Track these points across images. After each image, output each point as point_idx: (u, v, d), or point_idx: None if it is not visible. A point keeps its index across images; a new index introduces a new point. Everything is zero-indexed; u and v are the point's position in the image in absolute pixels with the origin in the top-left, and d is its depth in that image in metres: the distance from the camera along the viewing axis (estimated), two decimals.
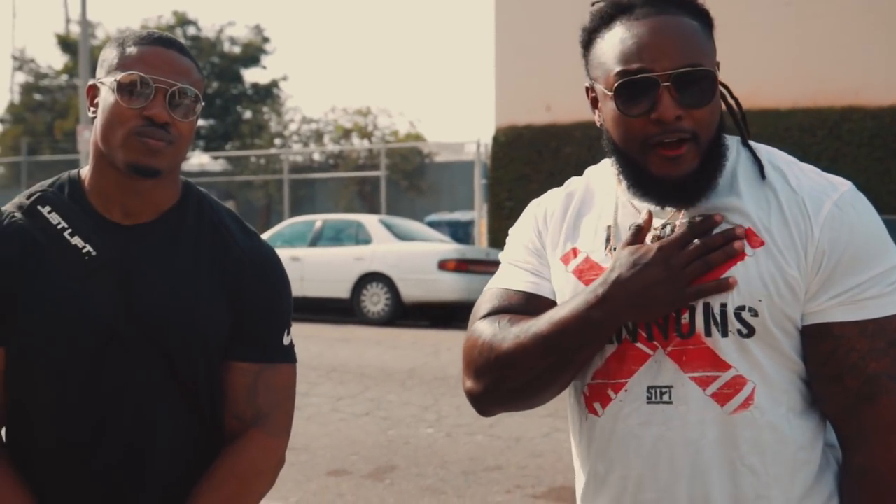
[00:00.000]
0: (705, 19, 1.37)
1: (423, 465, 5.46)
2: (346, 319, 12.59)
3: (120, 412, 1.52)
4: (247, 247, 1.64)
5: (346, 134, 30.02)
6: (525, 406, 1.46)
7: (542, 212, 1.53)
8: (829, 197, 1.32)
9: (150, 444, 1.54)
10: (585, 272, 1.41)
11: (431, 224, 17.36)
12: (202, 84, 1.60)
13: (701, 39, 1.35)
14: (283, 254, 12.54)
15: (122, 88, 1.49)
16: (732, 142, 1.42)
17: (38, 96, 34.04)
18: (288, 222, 14.04)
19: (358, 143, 29.63)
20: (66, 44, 32.34)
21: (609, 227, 1.42)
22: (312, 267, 12.66)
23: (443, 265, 12.02)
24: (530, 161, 14.84)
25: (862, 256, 1.30)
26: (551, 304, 1.42)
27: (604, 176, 1.49)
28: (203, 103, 1.60)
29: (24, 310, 1.50)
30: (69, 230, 1.54)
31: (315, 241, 13.10)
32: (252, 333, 1.61)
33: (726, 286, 1.29)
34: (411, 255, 12.36)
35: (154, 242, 1.58)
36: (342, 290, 12.59)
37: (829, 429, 1.39)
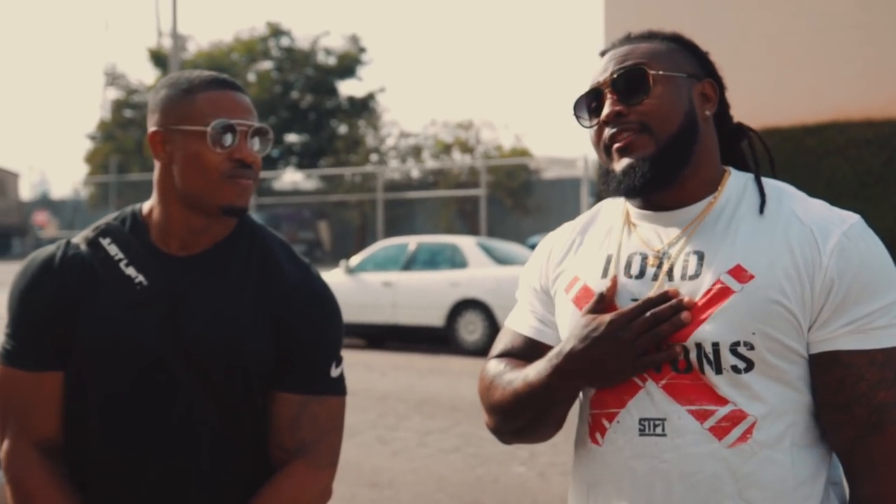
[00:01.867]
0: (675, 42, 1.61)
1: None
2: (440, 349, 12.79)
3: (166, 435, 1.73)
4: (295, 278, 1.83)
5: (447, 149, 30.30)
6: (533, 441, 1.66)
7: (549, 250, 1.71)
8: (839, 228, 1.45)
9: (194, 466, 1.74)
10: (582, 300, 1.57)
11: (534, 246, 17.35)
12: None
13: (653, 53, 1.56)
14: (375, 278, 12.88)
15: (213, 136, 1.71)
16: (742, 177, 1.57)
17: (128, 113, 35.57)
18: (380, 245, 14.30)
19: (459, 158, 29.84)
20: (158, 58, 33.76)
21: (609, 256, 1.57)
22: (405, 292, 12.90)
23: None
24: None
25: (871, 287, 1.41)
26: (550, 349, 1.57)
27: (612, 207, 1.66)
28: (272, 136, 1.84)
29: (80, 335, 1.74)
30: (124, 261, 1.77)
31: (408, 265, 13.29)
32: (298, 364, 1.79)
33: (675, 354, 1.43)
34: (510, 280, 12.32)
35: (203, 273, 1.79)
36: (436, 318, 12.76)
37: (833, 466, 1.49)
